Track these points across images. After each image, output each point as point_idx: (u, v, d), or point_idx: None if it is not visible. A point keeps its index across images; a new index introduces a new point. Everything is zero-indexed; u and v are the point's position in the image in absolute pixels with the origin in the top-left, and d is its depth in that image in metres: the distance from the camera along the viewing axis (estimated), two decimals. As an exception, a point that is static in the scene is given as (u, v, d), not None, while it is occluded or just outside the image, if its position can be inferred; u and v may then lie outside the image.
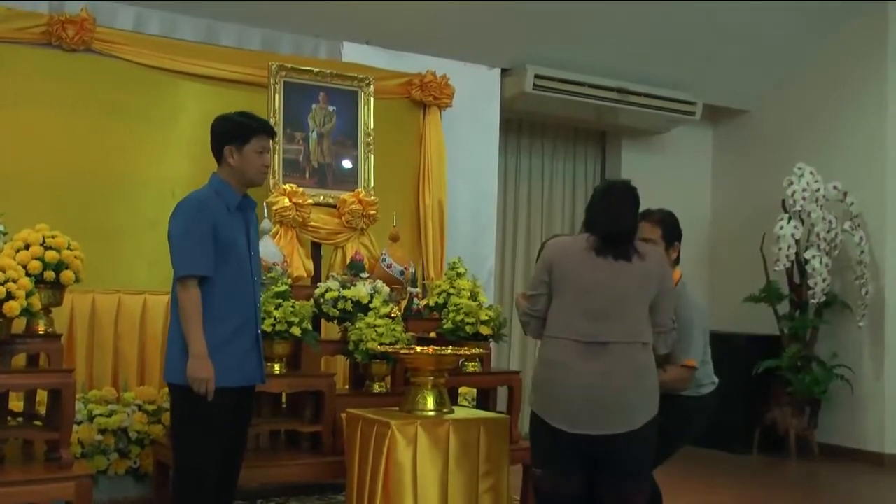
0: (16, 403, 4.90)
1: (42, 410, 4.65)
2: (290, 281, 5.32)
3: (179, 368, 3.74)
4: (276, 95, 6.24)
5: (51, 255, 4.45)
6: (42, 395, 4.68)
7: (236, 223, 3.91)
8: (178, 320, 3.77)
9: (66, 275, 4.51)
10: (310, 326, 5.11)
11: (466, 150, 7.57)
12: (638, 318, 3.60)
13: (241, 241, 3.91)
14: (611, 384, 3.49)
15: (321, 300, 5.33)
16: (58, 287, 4.55)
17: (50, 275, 4.45)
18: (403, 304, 5.79)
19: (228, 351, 3.79)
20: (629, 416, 3.51)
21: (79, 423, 5.18)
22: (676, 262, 4.17)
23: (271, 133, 4.06)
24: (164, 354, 3.95)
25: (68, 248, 4.55)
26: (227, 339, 3.80)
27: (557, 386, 3.55)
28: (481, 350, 5.17)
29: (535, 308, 3.72)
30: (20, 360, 4.60)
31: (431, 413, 4.45)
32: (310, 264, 6.13)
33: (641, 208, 3.84)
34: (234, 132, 3.91)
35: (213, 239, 3.77)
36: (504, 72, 7.96)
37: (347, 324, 5.26)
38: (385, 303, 5.28)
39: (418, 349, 4.80)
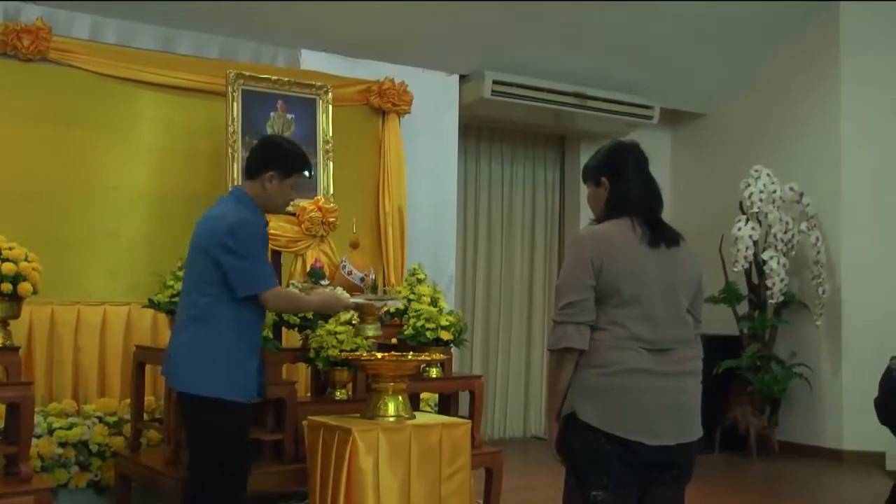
0: (-26, 417, 4.87)
1: (0, 424, 4.62)
2: (250, 289, 5.29)
3: None
4: (235, 103, 6.21)
5: (8, 267, 4.42)
6: (0, 409, 4.64)
7: None
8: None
9: (24, 287, 4.48)
10: (270, 334, 5.09)
11: (426, 157, 7.60)
12: (685, 314, 3.16)
13: None
14: (684, 389, 3.10)
15: (282, 308, 5.30)
16: (15, 299, 4.52)
17: (7, 287, 4.43)
18: (364, 310, 5.78)
19: None
20: (698, 421, 3.17)
21: (38, 437, 5.14)
22: None
23: (310, 171, 4.27)
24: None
25: (26, 260, 4.52)
26: None
27: (635, 394, 3.00)
28: (442, 355, 5.19)
29: (580, 318, 3.02)
30: (-23, 373, 4.57)
31: (393, 419, 4.47)
32: (270, 272, 6.11)
33: None
34: (282, 161, 4.02)
35: None
36: (462, 78, 8.00)
37: (308, 331, 5.25)
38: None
39: (379, 355, 4.79)
